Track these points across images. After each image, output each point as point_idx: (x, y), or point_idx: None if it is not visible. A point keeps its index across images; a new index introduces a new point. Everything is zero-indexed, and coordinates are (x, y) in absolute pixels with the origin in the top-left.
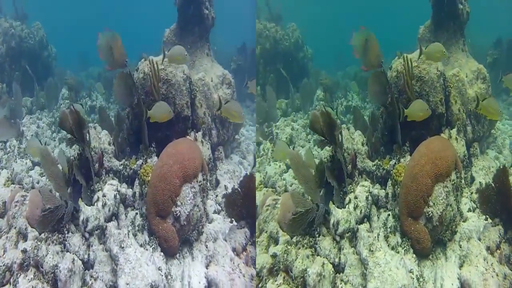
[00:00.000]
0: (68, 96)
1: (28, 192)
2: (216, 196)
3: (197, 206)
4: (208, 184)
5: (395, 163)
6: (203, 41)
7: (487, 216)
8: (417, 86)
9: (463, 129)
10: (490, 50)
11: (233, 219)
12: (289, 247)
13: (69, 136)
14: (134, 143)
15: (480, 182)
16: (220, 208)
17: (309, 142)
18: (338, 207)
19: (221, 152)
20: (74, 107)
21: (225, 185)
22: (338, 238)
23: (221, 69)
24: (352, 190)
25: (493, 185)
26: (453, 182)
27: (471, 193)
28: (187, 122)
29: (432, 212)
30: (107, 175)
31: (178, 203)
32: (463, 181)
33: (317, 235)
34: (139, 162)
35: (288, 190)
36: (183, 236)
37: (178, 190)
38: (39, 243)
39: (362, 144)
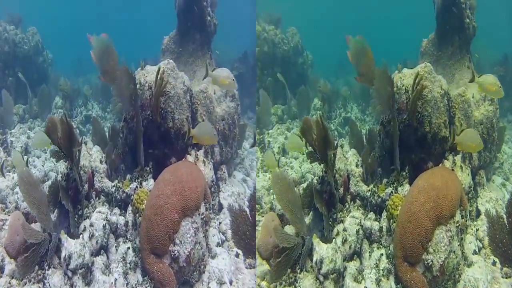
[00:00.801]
0: (62, 105)
1: (9, 215)
2: (220, 223)
3: (199, 243)
4: (211, 212)
5: (392, 191)
6: (204, 50)
7: (496, 260)
8: (418, 106)
9: (468, 156)
10: (496, 67)
11: (240, 251)
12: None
13: (56, 148)
14: (129, 160)
15: (487, 217)
16: (224, 238)
17: (303, 154)
18: (325, 236)
19: (224, 172)
20: (66, 117)
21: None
22: (321, 278)
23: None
24: (342, 218)
25: (504, 221)
26: (457, 224)
27: (477, 229)
28: (187, 140)
29: (432, 261)
30: (97, 198)
31: (177, 241)
32: (468, 220)
33: (298, 270)
34: (133, 185)
35: (274, 208)
36: (182, 278)
37: (176, 226)
38: (13, 281)
39: (357, 165)
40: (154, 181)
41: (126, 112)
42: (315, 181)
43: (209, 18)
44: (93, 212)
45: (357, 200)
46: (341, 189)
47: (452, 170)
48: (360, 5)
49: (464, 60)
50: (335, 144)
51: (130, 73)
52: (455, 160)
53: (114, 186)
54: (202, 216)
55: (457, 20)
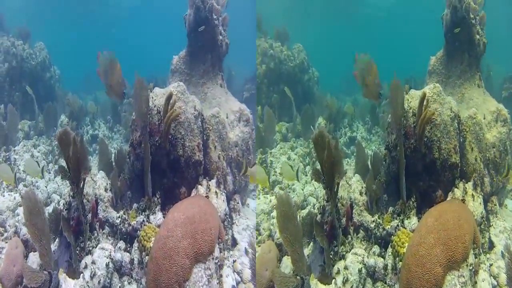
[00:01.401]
0: (68, 124)
1: (7, 241)
2: (234, 261)
3: None
4: (225, 252)
5: (398, 225)
6: (216, 70)
7: None
8: (426, 130)
9: (480, 182)
10: (506, 84)
11: None
12: None
13: (63, 165)
14: (136, 187)
15: (502, 252)
16: (239, 279)
17: (306, 175)
18: (326, 273)
19: (237, 202)
20: (81, 136)
21: (245, 248)
22: None
23: (238, 103)
24: (344, 253)
25: None
26: (470, 267)
27: (490, 264)
28: (199, 168)
29: None
30: (101, 229)
31: None
32: (482, 258)
33: None
34: (140, 218)
35: (273, 236)
36: None
37: (187, 273)
38: None
39: (361, 193)
40: (163, 213)
41: (133, 137)
42: (316, 210)
43: (220, 37)
44: (96, 247)
45: (361, 231)
46: (344, 219)
47: (463, 200)
48: (368, 22)
49: (474, 78)
50: (343, 171)
51: (145, 86)
52: (466, 188)
53: (119, 217)
54: (216, 261)
55: (467, 37)
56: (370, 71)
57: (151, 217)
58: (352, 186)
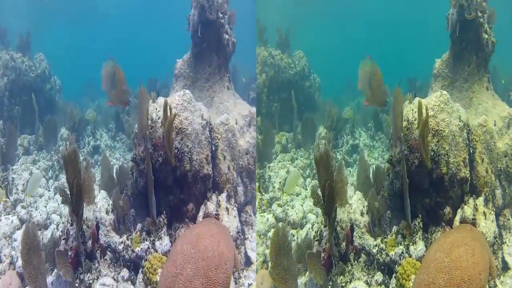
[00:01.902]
0: (68, 137)
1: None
2: (249, 285)
3: None
4: (239, 280)
5: (403, 252)
6: (222, 72)
7: None
8: (433, 143)
9: (491, 196)
10: None
11: None
12: None
13: (65, 187)
14: (139, 204)
15: None
16: None
17: (306, 189)
18: None
19: (250, 215)
20: (88, 160)
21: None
22: None
23: (247, 106)
24: (343, 284)
25: None
26: None
27: None
28: (207, 182)
29: None
30: (102, 256)
31: None
32: (496, 283)
33: None
34: (145, 245)
35: (267, 261)
36: None
37: None
38: None
39: (362, 214)
40: (169, 233)
41: (136, 152)
42: (314, 233)
43: (227, 36)
44: (97, 278)
45: (362, 255)
46: (343, 243)
47: (474, 220)
48: (369, 24)
49: (482, 81)
50: (345, 198)
51: (147, 96)
52: (476, 205)
53: (122, 242)
54: None
55: (474, 36)
56: (374, 77)
57: (157, 243)
58: (353, 206)
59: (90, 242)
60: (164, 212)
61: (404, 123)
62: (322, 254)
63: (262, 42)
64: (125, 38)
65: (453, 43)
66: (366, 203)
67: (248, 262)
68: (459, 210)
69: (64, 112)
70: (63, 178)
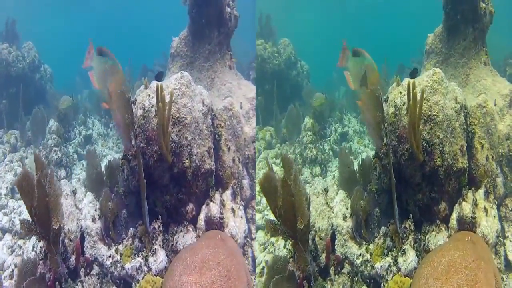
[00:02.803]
0: (56, 130)
1: None
2: None
3: None
4: None
5: (390, 265)
6: (223, 50)
7: None
8: (425, 131)
9: (492, 186)
10: (510, 59)
11: None
12: None
13: (25, 218)
14: (132, 203)
15: None
16: None
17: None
18: None
19: (256, 211)
20: (50, 171)
21: None
22: None
23: (253, 87)
24: None
25: None
26: None
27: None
28: (209, 179)
29: None
30: (88, 270)
31: None
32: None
33: None
34: (136, 262)
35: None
36: None
37: None
38: None
39: (345, 218)
40: (165, 245)
41: (126, 148)
42: (287, 251)
43: (228, 9)
44: None
45: (346, 265)
46: (323, 255)
47: (474, 219)
48: (358, 3)
49: (479, 55)
50: (308, 215)
51: (127, 98)
52: (476, 199)
53: (110, 256)
54: None
55: (471, 6)
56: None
57: (150, 259)
58: (335, 209)
59: (73, 258)
60: (160, 216)
61: (391, 109)
62: (297, 273)
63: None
64: (117, 18)
65: (446, 16)
66: (349, 205)
67: (255, 266)
68: (456, 205)
69: (55, 101)
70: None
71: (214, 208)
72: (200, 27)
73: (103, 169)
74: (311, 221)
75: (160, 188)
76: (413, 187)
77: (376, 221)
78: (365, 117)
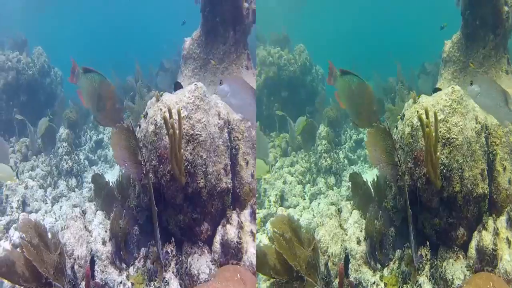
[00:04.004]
0: (67, 138)
1: None
2: None
3: None
4: None
5: None
6: (240, 49)
7: None
8: (444, 155)
9: None
10: None
11: None
12: None
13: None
14: (144, 222)
15: None
16: None
17: (304, 199)
18: None
19: None
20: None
21: None
22: None
23: None
24: None
25: None
26: None
27: None
28: (226, 198)
29: None
30: None
31: None
32: None
33: None
34: None
35: None
36: None
37: None
38: None
39: (359, 242)
40: (178, 273)
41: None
42: None
43: (246, 4)
44: None
45: None
46: (336, 280)
47: (495, 252)
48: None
49: (501, 64)
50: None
51: (131, 131)
52: (497, 228)
53: (121, 283)
54: None
55: (492, 11)
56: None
57: None
58: (348, 232)
59: (83, 284)
60: (173, 235)
61: (407, 129)
62: None
63: (259, 41)
64: (128, 18)
65: (465, 22)
66: (364, 227)
67: None
68: (475, 233)
69: (65, 104)
70: (62, 184)
71: (231, 231)
72: (214, 26)
73: (113, 179)
74: (323, 246)
75: (173, 206)
76: (429, 210)
77: (391, 241)
78: (372, 157)
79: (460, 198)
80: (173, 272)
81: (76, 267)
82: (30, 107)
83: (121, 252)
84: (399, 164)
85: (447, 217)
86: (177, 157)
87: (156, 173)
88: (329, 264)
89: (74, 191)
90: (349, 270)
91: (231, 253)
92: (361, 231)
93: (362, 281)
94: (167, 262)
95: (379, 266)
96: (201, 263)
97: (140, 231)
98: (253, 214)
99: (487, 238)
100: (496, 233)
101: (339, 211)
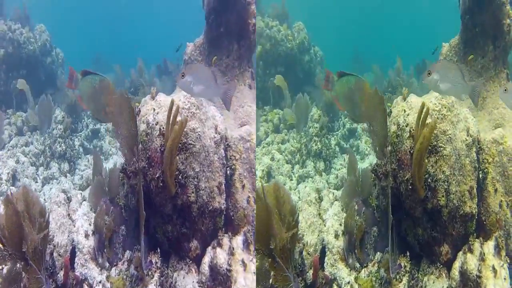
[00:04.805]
0: (62, 119)
1: None
2: None
3: None
4: None
5: None
6: (243, 66)
7: None
8: (429, 164)
9: (505, 239)
10: None
11: None
12: None
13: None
14: (132, 223)
15: None
16: None
17: (291, 179)
18: None
19: None
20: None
21: None
22: None
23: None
24: None
25: None
26: None
27: None
28: (218, 219)
29: None
30: None
31: None
32: None
33: None
34: None
35: None
36: None
37: None
38: None
39: (336, 236)
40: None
41: (126, 161)
42: None
43: (254, 20)
44: None
45: (334, 286)
46: (310, 270)
47: (479, 279)
48: None
49: (499, 78)
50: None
51: (131, 106)
52: (483, 253)
53: (100, 282)
54: None
55: (493, 21)
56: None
57: None
58: (327, 224)
59: (62, 274)
60: (161, 244)
61: (393, 127)
62: None
63: (258, 12)
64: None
65: (464, 27)
66: (342, 222)
67: None
68: (460, 253)
69: (63, 89)
70: (54, 166)
71: (221, 256)
72: (218, 36)
73: (105, 173)
74: (299, 233)
75: (162, 215)
76: (413, 219)
77: (373, 241)
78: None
79: (446, 213)
80: (155, 285)
81: (55, 254)
82: (29, 83)
83: (105, 250)
84: (387, 161)
85: (431, 230)
86: (171, 165)
87: (145, 176)
88: (304, 253)
89: (66, 176)
90: (325, 264)
91: (220, 280)
92: (340, 224)
93: (338, 278)
94: (150, 273)
95: (357, 265)
96: (187, 282)
97: (127, 232)
98: (246, 243)
99: (471, 262)
100: (482, 259)
101: (320, 199)
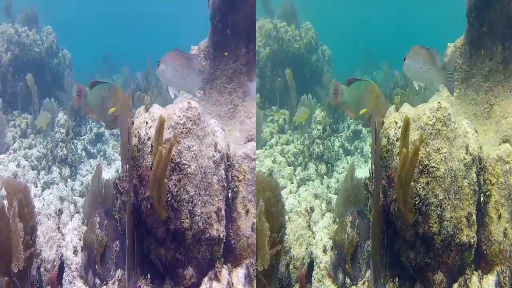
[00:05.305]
0: (65, 123)
1: None
2: None
3: None
4: None
5: None
6: (251, 72)
7: None
8: (420, 185)
9: (509, 273)
10: None
11: None
12: None
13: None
14: (125, 241)
15: None
16: None
17: (292, 182)
18: None
19: None
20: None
21: None
22: None
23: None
24: None
25: None
26: None
27: None
28: (216, 248)
29: None
30: None
31: None
32: None
33: None
34: None
35: None
36: None
37: None
38: None
39: (325, 250)
40: None
41: (120, 175)
42: None
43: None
44: None
45: None
46: (297, 285)
47: None
48: None
49: (509, 82)
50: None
51: (128, 115)
52: (481, 286)
53: None
54: None
55: (502, 19)
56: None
57: None
58: (316, 237)
59: None
60: (154, 268)
61: (384, 140)
62: None
63: (268, 13)
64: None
65: (470, 25)
66: (330, 236)
67: None
68: (456, 285)
69: (72, 88)
70: (55, 171)
71: None
72: (223, 38)
73: (101, 184)
74: (286, 245)
75: (155, 237)
76: (405, 240)
77: (366, 256)
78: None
79: (439, 241)
80: None
81: (42, 269)
82: (35, 85)
83: (96, 266)
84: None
85: (424, 255)
86: (160, 188)
87: (136, 194)
88: (290, 266)
89: (66, 182)
90: (313, 278)
91: None
92: (330, 238)
93: None
94: None
95: (348, 281)
96: None
97: (121, 247)
98: (248, 277)
99: None
100: None
101: (311, 210)
